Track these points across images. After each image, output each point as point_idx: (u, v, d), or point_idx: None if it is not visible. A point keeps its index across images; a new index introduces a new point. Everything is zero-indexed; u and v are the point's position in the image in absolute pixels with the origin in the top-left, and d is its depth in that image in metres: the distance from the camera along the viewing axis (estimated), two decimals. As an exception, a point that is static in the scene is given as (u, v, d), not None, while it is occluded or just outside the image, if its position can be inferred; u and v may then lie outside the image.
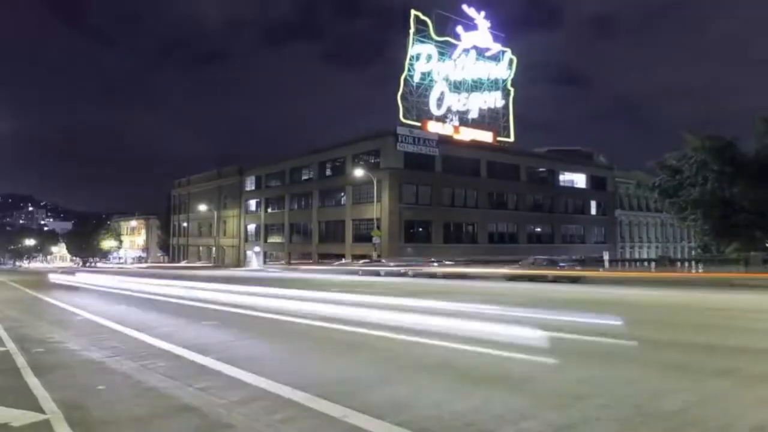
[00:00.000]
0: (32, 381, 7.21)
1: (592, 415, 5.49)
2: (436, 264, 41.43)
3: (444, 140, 57.81)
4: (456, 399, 6.15)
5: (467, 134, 61.39)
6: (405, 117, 57.34)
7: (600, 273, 33.58)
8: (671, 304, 18.49)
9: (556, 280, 31.17)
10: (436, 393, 6.43)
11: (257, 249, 74.89)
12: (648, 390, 6.49)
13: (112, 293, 26.18)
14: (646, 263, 39.95)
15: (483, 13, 64.07)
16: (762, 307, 16.89)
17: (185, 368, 8.02)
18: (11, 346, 10.18)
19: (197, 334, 11.59)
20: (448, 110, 61.14)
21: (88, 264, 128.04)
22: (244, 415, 5.56)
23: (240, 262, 77.29)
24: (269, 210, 73.63)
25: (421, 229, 57.23)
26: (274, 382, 6.84)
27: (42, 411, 5.77)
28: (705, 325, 13.02)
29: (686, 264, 38.35)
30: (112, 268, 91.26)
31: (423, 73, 59.37)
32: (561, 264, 32.92)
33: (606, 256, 35.25)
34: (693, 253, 47.69)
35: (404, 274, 42.23)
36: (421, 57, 59.24)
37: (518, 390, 6.63)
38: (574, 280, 35.70)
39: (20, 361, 8.67)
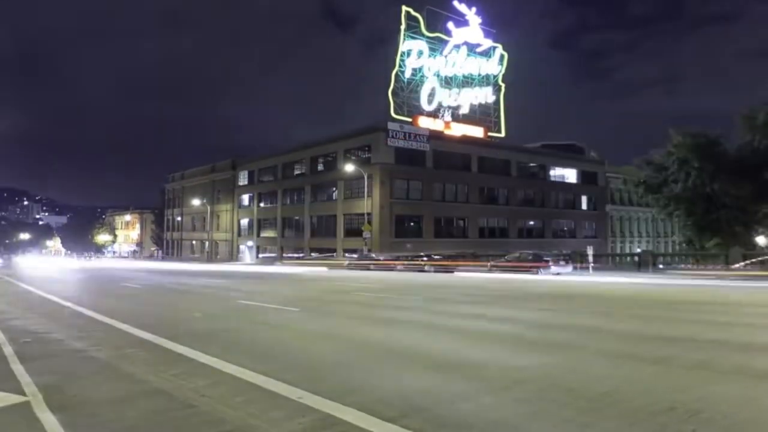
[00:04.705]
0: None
1: (524, 397, 6.05)
2: (425, 259, 42.02)
3: (435, 136, 58.22)
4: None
5: (458, 130, 61.76)
6: (396, 113, 57.60)
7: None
8: (637, 295, 19.10)
9: None
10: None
11: (250, 243, 75.33)
12: (587, 375, 7.05)
13: None
14: (628, 258, 40.52)
15: (474, 9, 64.31)
16: (720, 301, 17.51)
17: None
18: None
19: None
20: (439, 106, 61.43)
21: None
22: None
23: (233, 255, 77.80)
24: (262, 204, 73.99)
25: (412, 224, 57.73)
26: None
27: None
28: (660, 317, 13.61)
29: (668, 259, 38.96)
30: None
31: (414, 69, 59.60)
32: (546, 258, 33.54)
33: (590, 251, 35.75)
34: (678, 248, 48.41)
35: (393, 267, 42.90)
36: (412, 53, 59.46)
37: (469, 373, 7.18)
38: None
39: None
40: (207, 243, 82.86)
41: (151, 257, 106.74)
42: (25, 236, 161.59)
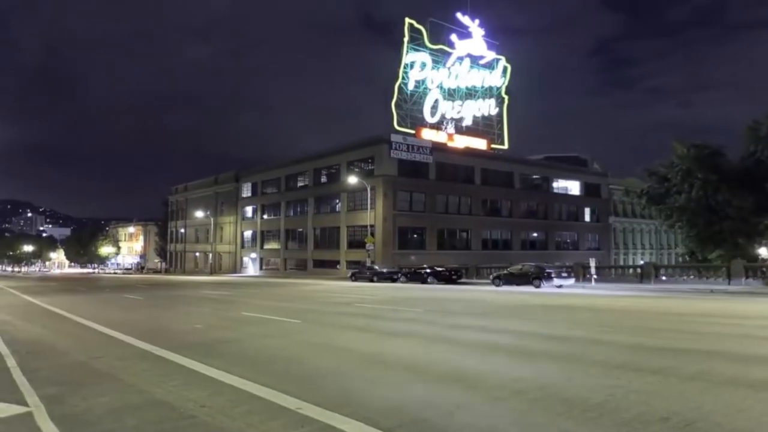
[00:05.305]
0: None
1: (521, 408, 6.10)
2: (428, 270, 42.03)
3: (438, 147, 58.47)
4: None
5: (461, 142, 62.05)
6: (399, 125, 57.93)
7: None
8: (641, 309, 19.10)
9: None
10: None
11: (253, 255, 75.45)
12: (584, 385, 7.09)
13: None
14: (630, 270, 40.48)
15: (477, 21, 64.84)
16: (719, 313, 17.51)
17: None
18: None
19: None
20: (443, 118, 61.75)
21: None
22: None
23: (237, 267, 77.87)
24: (265, 216, 74.17)
25: (415, 236, 57.81)
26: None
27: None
28: (659, 328, 13.62)
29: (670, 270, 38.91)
30: None
31: (417, 81, 59.98)
32: (548, 271, 33.53)
33: (592, 263, 35.72)
34: (680, 259, 48.31)
35: (396, 279, 42.92)
36: (416, 65, 59.86)
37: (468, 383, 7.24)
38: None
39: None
40: (210, 255, 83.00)
41: (156, 271, 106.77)
42: (28, 248, 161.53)
